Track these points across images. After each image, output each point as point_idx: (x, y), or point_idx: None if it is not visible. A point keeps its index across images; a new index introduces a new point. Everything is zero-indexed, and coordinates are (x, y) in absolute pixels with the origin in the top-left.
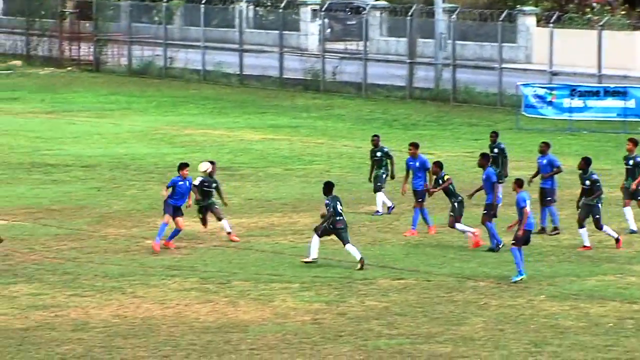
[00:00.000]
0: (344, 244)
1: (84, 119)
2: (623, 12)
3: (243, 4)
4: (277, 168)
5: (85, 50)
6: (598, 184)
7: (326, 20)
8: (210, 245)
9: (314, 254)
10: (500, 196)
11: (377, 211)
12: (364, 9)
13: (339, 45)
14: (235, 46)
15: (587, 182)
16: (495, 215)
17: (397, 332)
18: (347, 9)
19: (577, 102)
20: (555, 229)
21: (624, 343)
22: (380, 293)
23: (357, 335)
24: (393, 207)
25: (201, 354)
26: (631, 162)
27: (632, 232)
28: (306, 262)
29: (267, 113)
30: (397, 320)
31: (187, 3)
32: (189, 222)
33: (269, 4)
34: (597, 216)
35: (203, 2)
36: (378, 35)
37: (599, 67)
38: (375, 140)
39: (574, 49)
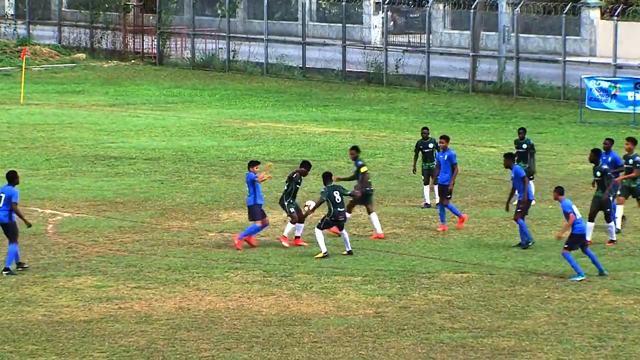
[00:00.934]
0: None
1: (147, 111)
2: None
3: None
4: (339, 161)
5: (149, 43)
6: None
7: (389, 13)
8: (272, 239)
9: (323, 248)
10: (532, 192)
11: (427, 204)
12: (427, 1)
13: (402, 38)
14: (298, 39)
15: (598, 173)
16: (526, 212)
17: (459, 326)
18: (410, 2)
19: None
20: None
21: None
22: (442, 286)
23: (420, 328)
24: (429, 205)
25: (263, 347)
26: (630, 161)
27: (617, 231)
28: (319, 258)
29: (330, 106)
30: (460, 314)
31: None
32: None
33: None
34: (608, 210)
35: None
36: (441, 28)
37: None
38: (425, 132)
39: (638, 42)
